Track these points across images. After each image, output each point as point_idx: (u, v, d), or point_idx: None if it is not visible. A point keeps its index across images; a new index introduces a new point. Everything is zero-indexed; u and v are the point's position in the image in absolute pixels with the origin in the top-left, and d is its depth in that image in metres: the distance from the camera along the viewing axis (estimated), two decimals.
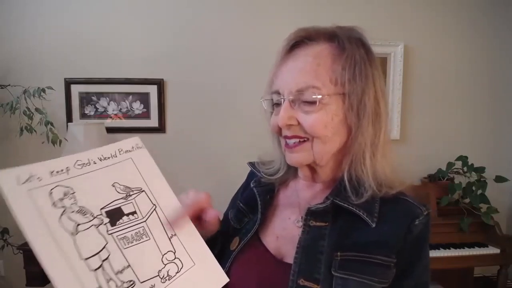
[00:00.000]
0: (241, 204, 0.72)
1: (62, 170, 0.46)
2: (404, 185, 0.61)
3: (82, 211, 0.46)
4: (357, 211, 0.58)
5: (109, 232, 0.47)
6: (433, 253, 1.90)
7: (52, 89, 1.90)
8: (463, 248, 1.96)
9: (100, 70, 2.13)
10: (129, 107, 2.16)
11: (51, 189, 0.44)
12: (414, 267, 0.58)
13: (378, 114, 0.60)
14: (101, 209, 0.47)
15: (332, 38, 0.61)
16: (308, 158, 0.60)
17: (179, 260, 0.51)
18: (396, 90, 2.25)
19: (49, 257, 0.41)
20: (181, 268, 0.50)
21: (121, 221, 0.48)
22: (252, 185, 0.71)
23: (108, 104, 2.15)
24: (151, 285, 0.47)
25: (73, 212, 0.45)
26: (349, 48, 0.59)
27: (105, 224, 0.47)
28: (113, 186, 0.50)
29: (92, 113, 2.15)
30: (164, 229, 0.51)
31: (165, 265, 0.49)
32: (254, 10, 2.18)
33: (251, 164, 0.76)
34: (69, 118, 2.11)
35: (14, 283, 2.14)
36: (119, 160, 0.52)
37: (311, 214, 0.60)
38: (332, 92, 0.58)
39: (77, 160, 0.48)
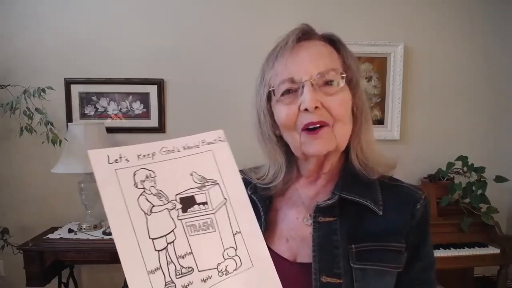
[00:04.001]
0: None
1: (148, 155, 0.50)
2: (390, 166, 0.65)
3: (158, 194, 0.48)
4: (364, 202, 0.60)
5: (179, 217, 0.49)
6: (433, 253, 1.90)
7: (52, 89, 1.90)
8: (463, 248, 1.96)
9: (100, 70, 2.13)
10: (129, 107, 2.16)
11: (136, 171, 0.48)
12: (421, 249, 0.63)
13: (368, 107, 0.66)
14: (176, 195, 0.50)
15: (329, 38, 0.64)
16: (332, 143, 0.59)
17: (239, 258, 0.51)
18: (396, 90, 2.25)
19: (120, 231, 0.44)
20: (239, 267, 0.51)
21: (192, 209, 0.50)
22: (249, 192, 0.68)
23: (108, 104, 2.15)
24: (208, 276, 0.48)
25: (150, 194, 0.48)
26: (346, 47, 0.64)
27: (177, 209, 0.49)
28: (191, 175, 0.52)
29: (92, 113, 2.15)
30: (230, 225, 0.52)
31: (225, 259, 0.50)
32: (254, 10, 2.18)
33: (241, 171, 0.73)
34: (69, 118, 2.11)
35: (14, 283, 2.14)
36: (200, 150, 0.54)
37: (319, 210, 0.61)
38: (346, 79, 0.61)
39: (163, 147, 0.51)
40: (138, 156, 0.49)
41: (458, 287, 2.19)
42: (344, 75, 0.60)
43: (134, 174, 0.48)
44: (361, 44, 2.15)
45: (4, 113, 1.86)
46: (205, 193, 0.52)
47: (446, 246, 1.96)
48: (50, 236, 1.89)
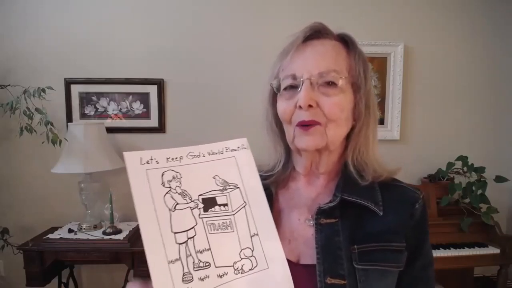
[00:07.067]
0: None
1: (176, 158, 0.55)
2: (392, 172, 0.66)
3: (183, 194, 0.53)
4: (365, 203, 0.61)
5: (201, 216, 0.53)
6: (433, 253, 1.90)
7: (52, 89, 1.90)
8: (463, 248, 1.96)
9: (100, 70, 2.13)
10: (129, 107, 2.16)
11: (164, 172, 0.53)
12: (421, 248, 0.64)
13: (375, 110, 0.66)
14: (199, 195, 0.54)
15: (341, 37, 0.66)
16: (321, 141, 0.60)
17: (255, 258, 0.54)
18: (396, 90, 2.25)
19: (146, 223, 0.49)
20: (255, 267, 0.53)
21: (213, 209, 0.54)
22: None
23: (108, 104, 2.15)
24: (224, 273, 0.51)
25: (176, 193, 0.52)
26: (357, 48, 0.65)
27: (199, 208, 0.54)
28: (214, 178, 0.56)
29: (92, 113, 2.15)
30: (248, 227, 0.55)
31: (241, 259, 0.53)
32: (254, 10, 2.18)
33: None
34: (69, 118, 2.11)
35: (14, 283, 2.14)
36: (224, 156, 0.59)
37: (321, 212, 0.61)
38: (349, 80, 0.61)
39: (190, 152, 0.57)
40: (167, 159, 0.54)
41: (458, 287, 2.19)
42: (346, 77, 0.60)
43: (162, 175, 0.53)
44: (361, 44, 2.07)
45: (4, 113, 1.86)
46: (226, 195, 0.56)
47: (446, 246, 1.96)
48: (50, 236, 1.89)
